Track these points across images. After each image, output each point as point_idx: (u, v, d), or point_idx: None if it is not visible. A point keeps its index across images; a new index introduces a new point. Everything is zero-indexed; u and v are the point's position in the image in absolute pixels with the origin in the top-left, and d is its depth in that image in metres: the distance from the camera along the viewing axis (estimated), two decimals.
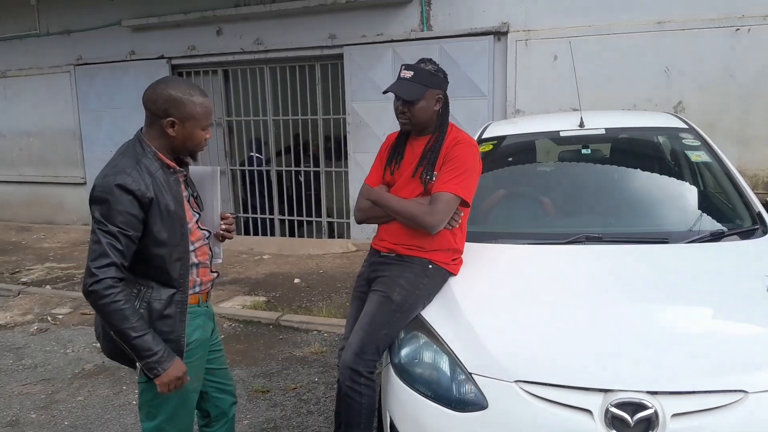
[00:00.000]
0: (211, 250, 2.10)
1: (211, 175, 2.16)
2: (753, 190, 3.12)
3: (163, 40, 7.51)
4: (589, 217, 2.88)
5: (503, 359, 1.98)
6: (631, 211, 2.85)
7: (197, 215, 2.04)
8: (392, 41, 6.44)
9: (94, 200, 1.81)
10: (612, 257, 2.49)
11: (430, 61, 2.42)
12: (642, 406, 1.76)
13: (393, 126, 6.80)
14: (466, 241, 2.73)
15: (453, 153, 2.36)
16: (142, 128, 1.96)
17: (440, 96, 2.41)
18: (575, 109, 5.94)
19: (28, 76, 8.40)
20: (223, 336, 4.47)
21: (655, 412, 1.75)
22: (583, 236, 2.63)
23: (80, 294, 1.94)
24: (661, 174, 3.09)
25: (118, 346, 1.84)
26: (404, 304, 2.30)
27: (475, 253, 2.61)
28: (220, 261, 2.22)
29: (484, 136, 3.52)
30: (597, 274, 2.38)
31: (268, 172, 7.63)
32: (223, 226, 2.21)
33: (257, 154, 7.60)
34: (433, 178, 2.35)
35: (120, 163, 1.84)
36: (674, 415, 1.75)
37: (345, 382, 2.28)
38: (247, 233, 7.80)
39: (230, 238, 2.25)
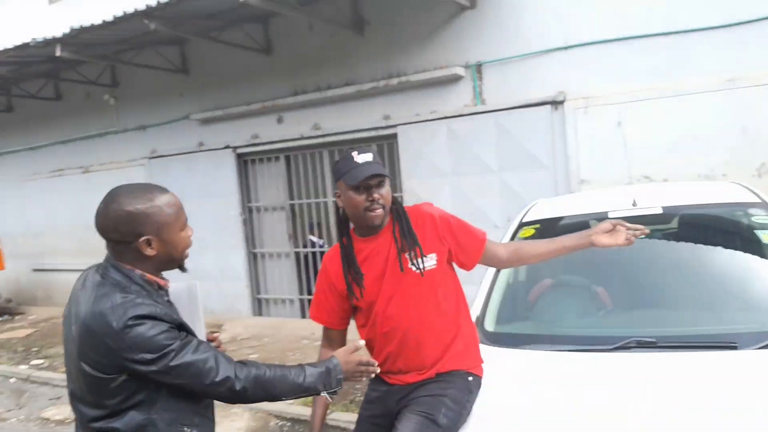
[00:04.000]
0: None
1: (188, 292, 1.84)
2: None
3: (228, 131, 7.80)
4: (640, 315, 2.50)
5: None
6: (691, 307, 2.45)
7: None
8: (446, 117, 6.33)
9: (130, 349, 1.48)
10: (667, 372, 2.06)
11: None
12: None
13: (449, 203, 6.55)
14: (497, 345, 2.44)
15: (438, 219, 2.11)
16: (107, 257, 1.65)
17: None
18: (646, 177, 5.57)
19: (108, 170, 8.93)
20: None
21: None
22: (634, 341, 2.25)
23: None
24: (727, 261, 2.67)
25: None
26: (451, 428, 1.98)
27: (503, 363, 2.29)
28: None
29: (525, 220, 3.23)
30: (647, 398, 1.93)
31: (322, 253, 7.58)
32: None
33: (312, 237, 7.59)
34: (424, 262, 2.06)
35: (111, 301, 1.52)
36: None
37: None
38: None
39: None
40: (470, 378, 2.10)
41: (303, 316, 7.72)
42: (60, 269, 9.37)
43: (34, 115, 9.76)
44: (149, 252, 1.60)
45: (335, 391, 1.78)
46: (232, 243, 7.98)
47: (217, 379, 1.56)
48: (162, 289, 1.69)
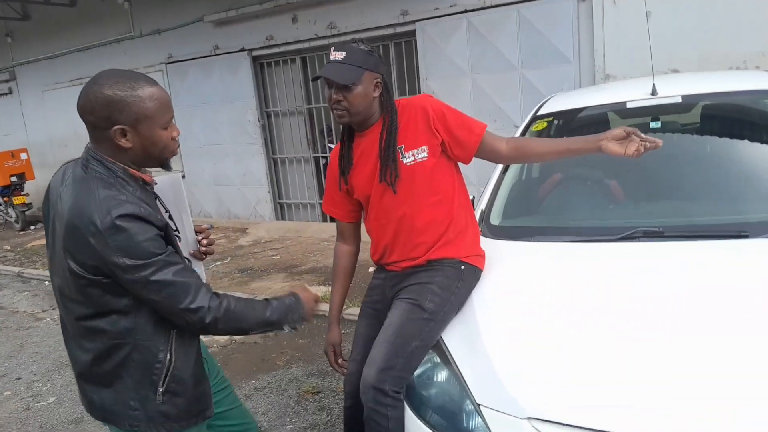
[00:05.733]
0: None
1: (172, 185, 1.77)
2: None
3: (243, 33, 7.59)
4: (652, 207, 2.42)
5: (516, 392, 1.64)
6: (706, 198, 2.36)
7: (178, 238, 1.66)
8: (466, 11, 6.03)
9: (113, 250, 1.40)
10: (672, 260, 2.02)
11: (362, 41, 2.06)
12: None
13: (469, 102, 6.36)
14: (500, 238, 2.42)
15: (431, 112, 2.03)
16: (89, 145, 1.54)
17: (379, 80, 2.02)
18: (674, 70, 5.29)
19: None
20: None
21: None
22: (640, 231, 2.19)
23: None
24: (748, 151, 2.54)
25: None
26: (438, 312, 2.00)
27: (506, 255, 2.27)
28: None
29: (540, 113, 3.11)
30: (649, 286, 1.90)
31: None
32: (203, 242, 1.87)
33: (330, 145, 7.54)
34: (414, 155, 2.03)
35: (94, 197, 1.43)
36: None
37: (368, 404, 1.96)
38: (333, 220, 7.77)
39: (211, 253, 1.93)
40: (462, 267, 2.09)
41: (323, 219, 7.82)
42: None
43: (52, 22, 9.62)
44: (123, 143, 1.49)
45: (296, 327, 1.72)
46: (252, 149, 7.98)
47: (192, 306, 1.49)
48: (148, 185, 1.61)
